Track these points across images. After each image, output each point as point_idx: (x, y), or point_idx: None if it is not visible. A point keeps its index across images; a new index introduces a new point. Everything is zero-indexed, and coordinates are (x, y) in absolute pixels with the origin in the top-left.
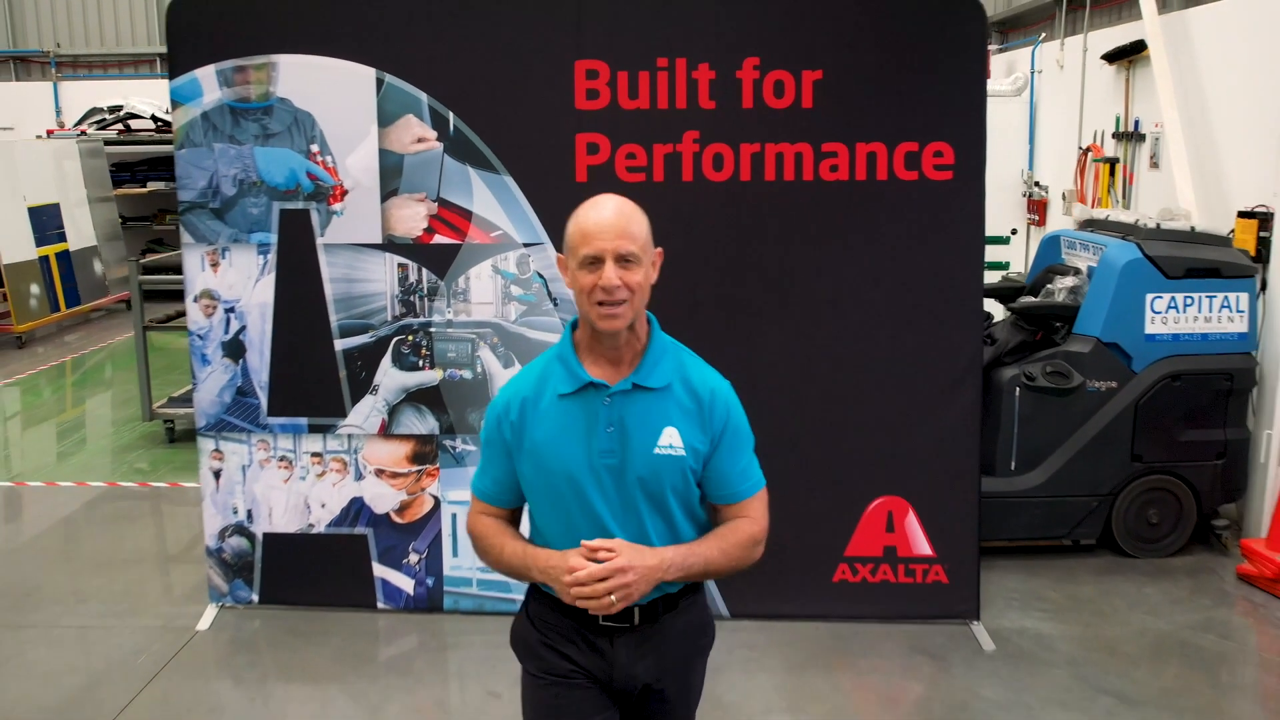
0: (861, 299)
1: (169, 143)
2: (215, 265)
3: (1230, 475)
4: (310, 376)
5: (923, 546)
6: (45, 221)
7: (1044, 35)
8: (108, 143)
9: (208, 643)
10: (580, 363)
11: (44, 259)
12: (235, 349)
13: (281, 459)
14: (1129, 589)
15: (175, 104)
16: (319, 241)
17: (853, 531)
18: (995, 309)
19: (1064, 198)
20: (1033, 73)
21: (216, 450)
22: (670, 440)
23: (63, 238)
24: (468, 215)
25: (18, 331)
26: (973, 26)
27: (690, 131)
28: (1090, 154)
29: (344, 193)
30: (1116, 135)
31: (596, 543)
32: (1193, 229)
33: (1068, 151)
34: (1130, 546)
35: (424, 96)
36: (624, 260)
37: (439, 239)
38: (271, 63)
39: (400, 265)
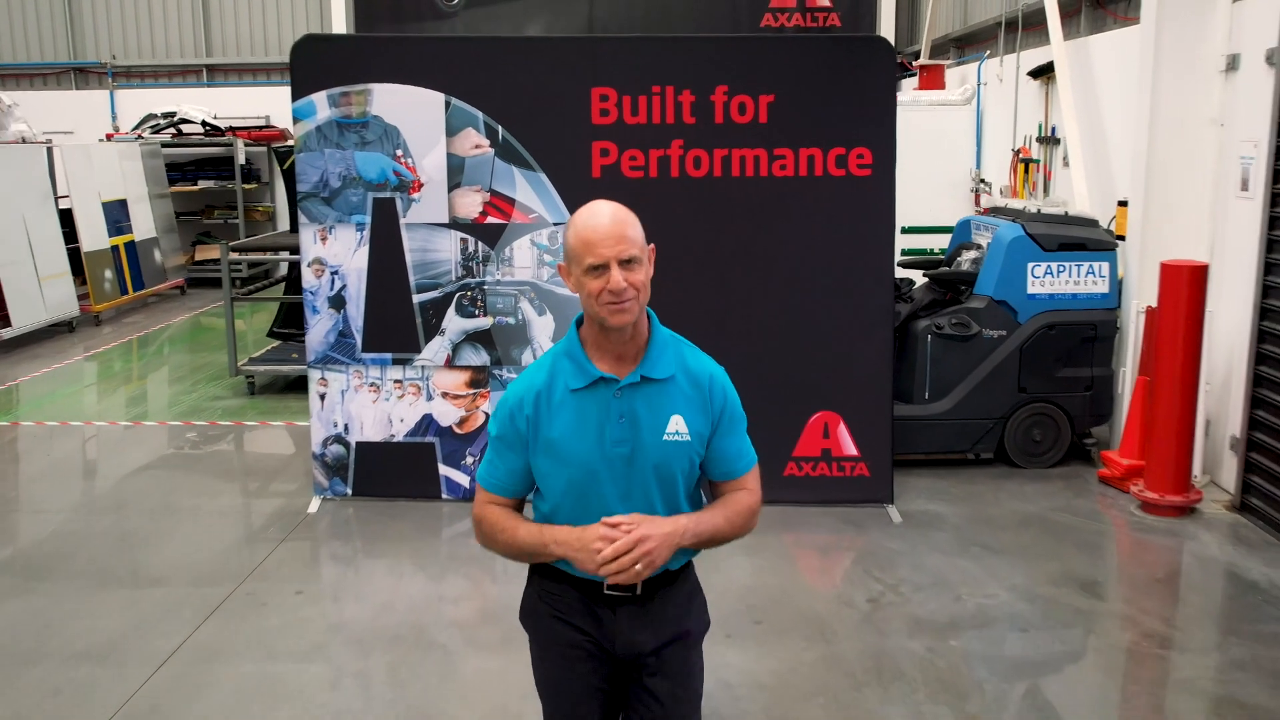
0: (803, 264)
1: (217, 145)
2: (324, 239)
3: (1097, 403)
4: (394, 322)
5: (850, 449)
6: (115, 215)
7: (989, 52)
8: (163, 145)
9: (314, 523)
10: (589, 358)
11: (115, 248)
12: (338, 302)
13: (371, 385)
14: (1013, 487)
15: (295, 119)
16: (402, 222)
17: (798, 438)
18: (917, 276)
19: (1001, 192)
20: (979, 84)
21: (322, 378)
22: (677, 427)
23: (130, 229)
24: (512, 202)
25: (95, 311)
26: (882, 59)
27: (677, 140)
28: (1020, 155)
29: (420, 186)
30: (1039, 139)
31: (616, 519)
32: (1066, 213)
33: (1005, 153)
34: (1019, 459)
35: (480, 114)
36: (626, 263)
37: (490, 220)
38: (368, 89)
39: (462, 239)
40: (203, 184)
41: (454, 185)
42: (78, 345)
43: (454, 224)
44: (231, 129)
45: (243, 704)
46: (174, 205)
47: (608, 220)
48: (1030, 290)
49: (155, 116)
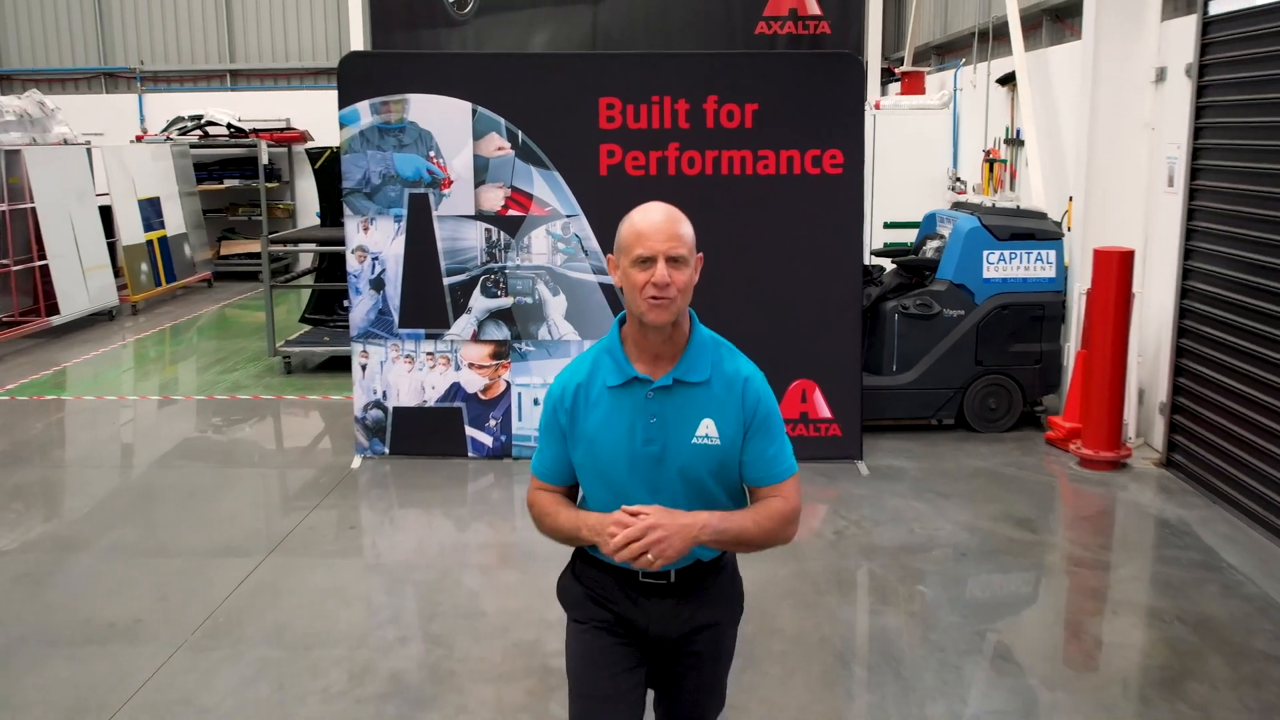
0: (783, 250)
1: (241, 146)
2: (366, 229)
3: (1045, 375)
4: (427, 302)
5: (825, 412)
6: (149, 211)
7: (964, 60)
8: (191, 146)
9: (356, 478)
10: (627, 357)
11: (149, 242)
12: (378, 284)
13: (407, 356)
14: (969, 447)
15: (342, 125)
16: (434, 214)
17: (779, 402)
18: (888, 264)
19: (974, 190)
20: (955, 90)
21: (364, 351)
22: (707, 431)
23: (162, 225)
24: (530, 197)
25: (133, 301)
26: (852, 72)
27: (673, 143)
28: (989, 155)
29: (450, 183)
30: (1006, 141)
31: (635, 507)
32: (1018, 207)
33: (978, 153)
34: (976, 424)
35: (502, 120)
36: (674, 261)
37: (511, 212)
38: (405, 99)
39: (486, 229)
40: (228, 183)
41: (479, 182)
42: (119, 332)
43: (479, 216)
44: (255, 131)
45: (316, 604)
46: (200, 203)
47: (662, 217)
48: (985, 275)
49: (183, 119)
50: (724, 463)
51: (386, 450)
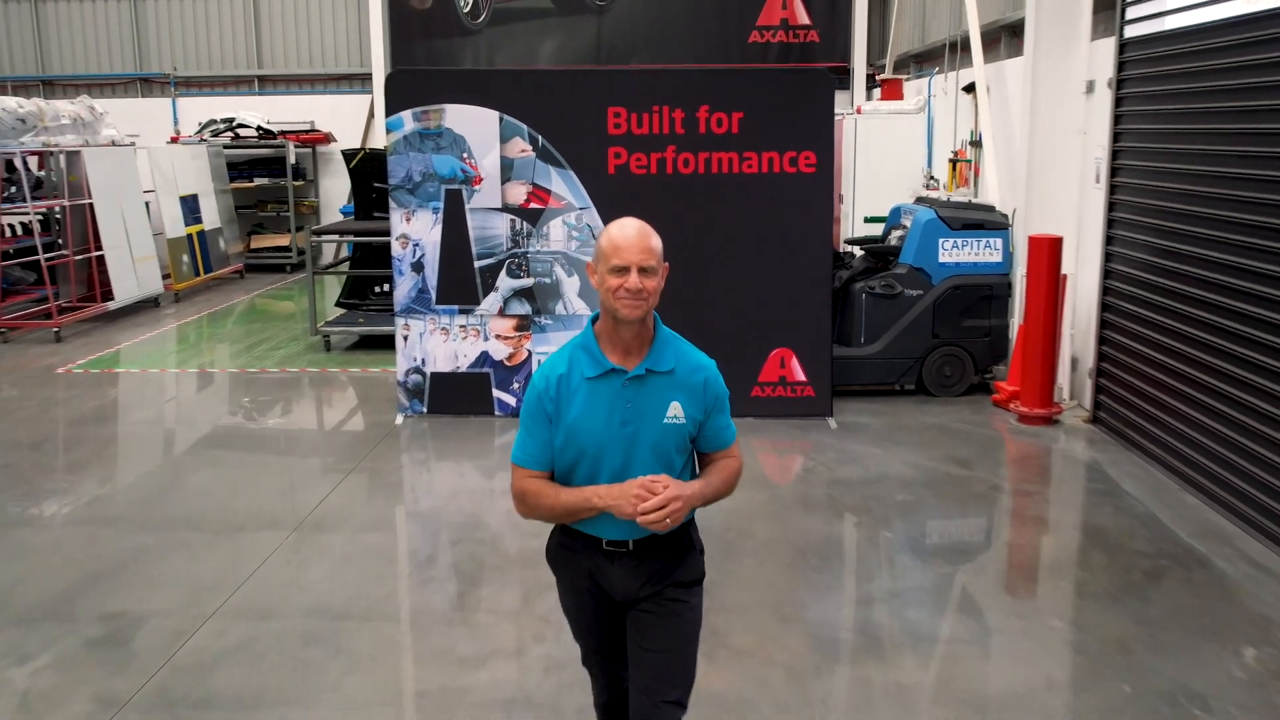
0: (764, 237)
1: (269, 146)
2: (408, 220)
3: (994, 347)
4: (460, 281)
5: (800, 376)
6: (189, 207)
7: (937, 69)
8: (225, 147)
9: (399, 433)
10: (601, 352)
11: (189, 236)
12: (418, 266)
13: (442, 329)
14: (926, 408)
15: (388, 130)
16: (466, 207)
17: (761, 367)
18: (858, 251)
19: (943, 187)
20: (929, 96)
21: (405, 324)
22: (675, 413)
23: (200, 220)
24: (549, 192)
25: (175, 289)
26: (823, 86)
27: (671, 146)
28: (956, 156)
29: (480, 180)
30: (971, 143)
31: (651, 477)
32: (969, 201)
33: (948, 154)
34: (934, 389)
35: (525, 126)
36: (644, 270)
37: (532, 205)
38: (442, 109)
39: (511, 219)
40: (257, 181)
41: (505, 180)
42: (166, 317)
43: (505, 208)
44: (282, 133)
45: (380, 518)
46: (232, 200)
47: (635, 233)
48: (941, 260)
49: (215, 121)
50: (687, 436)
51: (425, 409)
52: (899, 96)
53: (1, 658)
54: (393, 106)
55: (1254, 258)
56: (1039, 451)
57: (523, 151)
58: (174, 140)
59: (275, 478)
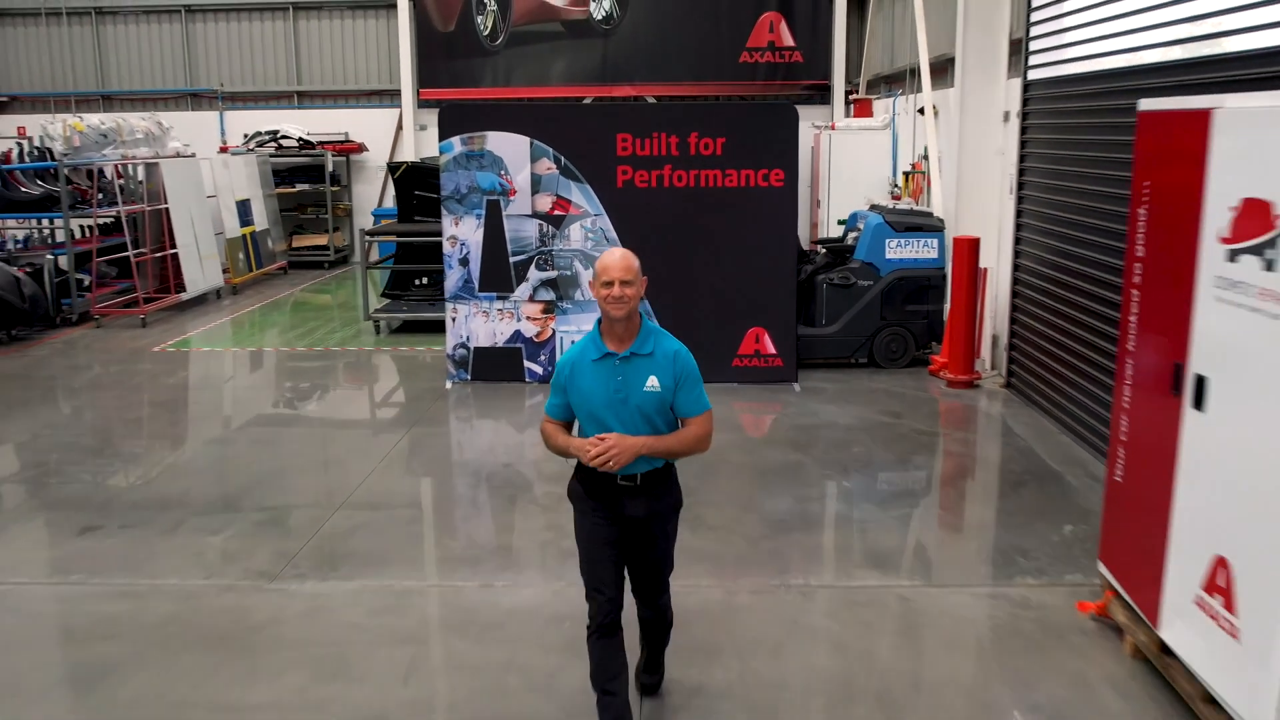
0: (742, 238)
1: (308, 156)
2: (457, 224)
3: (931, 328)
4: (498, 273)
5: (771, 350)
6: (243, 211)
7: (900, 90)
8: (270, 156)
9: (448, 396)
10: (603, 342)
11: (243, 236)
12: (464, 262)
13: (483, 311)
14: (875, 377)
15: (441, 153)
16: (504, 214)
17: (740, 343)
18: (821, 249)
19: (903, 196)
20: (894, 115)
21: (454, 308)
22: (653, 384)
23: (252, 222)
24: (569, 202)
25: (234, 283)
26: (789, 117)
27: (667, 164)
28: (914, 169)
29: (515, 192)
30: (923, 158)
31: (598, 436)
32: (911, 208)
33: (907, 167)
34: (882, 362)
35: (550, 149)
36: (625, 283)
37: (556, 212)
38: (484, 135)
39: (539, 223)
40: (298, 186)
41: (535, 191)
42: (228, 307)
43: (535, 215)
44: (320, 143)
45: (440, 457)
46: (277, 204)
47: (618, 258)
48: (888, 256)
49: (261, 133)
50: (663, 402)
51: (469, 377)
52: (869, 114)
53: (197, 532)
54: (445, 133)
55: (1119, 257)
56: (959, 407)
57: (548, 169)
58: (223, 150)
59: (360, 427)
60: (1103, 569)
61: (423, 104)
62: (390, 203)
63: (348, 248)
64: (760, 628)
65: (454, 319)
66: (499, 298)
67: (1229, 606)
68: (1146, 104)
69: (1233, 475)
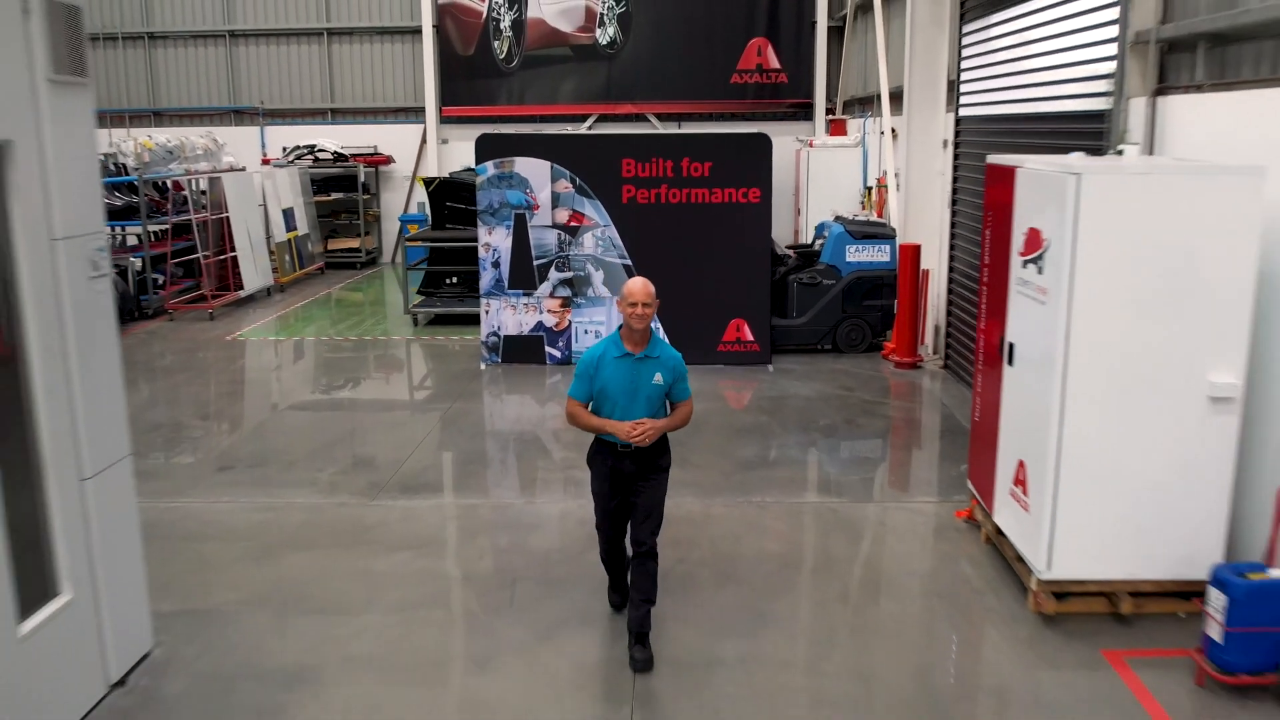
0: (726, 244)
1: (341, 167)
2: (490, 233)
3: (885, 320)
4: (523, 274)
5: (750, 337)
6: (288, 217)
7: (870, 113)
8: (308, 167)
9: (482, 376)
10: (622, 344)
11: (289, 240)
12: (496, 264)
13: (511, 305)
14: (837, 361)
15: (477, 175)
16: (529, 225)
17: (724, 331)
18: (793, 253)
19: (870, 208)
20: (864, 134)
21: (487, 303)
22: (657, 379)
23: (295, 227)
24: (583, 215)
25: (282, 282)
26: (765, 145)
27: (664, 184)
28: (878, 183)
29: (538, 207)
30: (885, 174)
31: (636, 420)
32: (869, 219)
33: (874, 182)
34: (844, 348)
35: (567, 171)
36: (645, 304)
37: (572, 224)
38: (512, 160)
39: (558, 233)
40: (333, 195)
41: (554, 206)
42: (280, 303)
43: (554, 226)
44: (352, 156)
45: (477, 423)
46: (315, 210)
47: (640, 286)
48: (848, 259)
49: (299, 147)
50: (662, 392)
51: (499, 360)
52: (843, 133)
53: (306, 470)
54: (480, 158)
55: None
56: (903, 384)
57: (565, 188)
58: (264, 162)
59: (413, 399)
60: (970, 486)
61: (444, 120)
62: (414, 209)
63: (377, 250)
64: (727, 527)
65: (487, 312)
66: (524, 294)
67: (1025, 491)
68: (992, 157)
69: (1026, 405)
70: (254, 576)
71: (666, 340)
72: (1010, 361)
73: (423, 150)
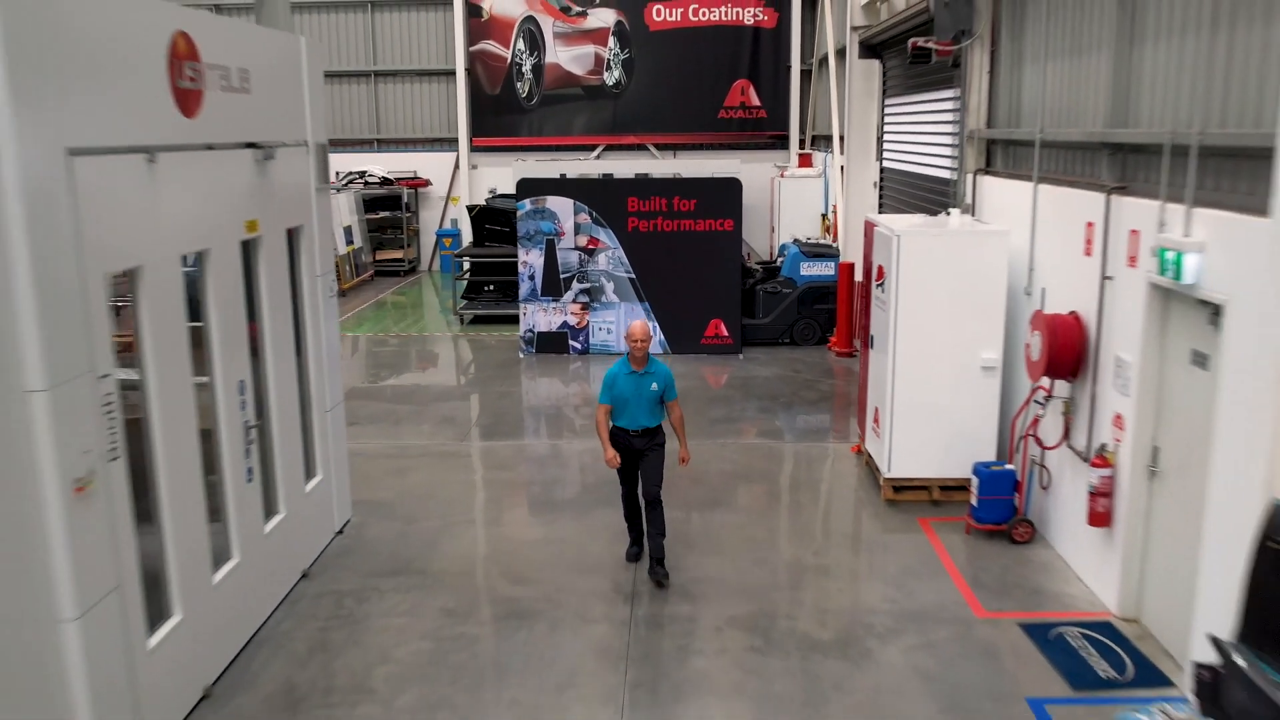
0: (706, 262)
1: (387, 190)
2: (527, 254)
3: (830, 320)
4: (552, 284)
5: (726, 333)
6: (349, 233)
7: (830, 149)
8: (360, 189)
9: (521, 362)
10: (630, 365)
11: (349, 252)
12: (532, 278)
13: (543, 309)
14: (794, 351)
15: (517, 210)
16: (557, 247)
17: (705, 328)
18: (760, 269)
19: (828, 231)
20: (825, 168)
21: (524, 307)
22: (654, 387)
23: (352, 241)
24: (598, 240)
25: (343, 288)
26: (736, 188)
27: (660, 216)
28: (832, 211)
29: (564, 234)
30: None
31: (613, 456)
32: (818, 242)
33: (846, 202)
34: (799, 342)
35: (586, 206)
36: (644, 341)
37: (590, 246)
38: (545, 198)
39: (579, 254)
40: (380, 214)
41: (576, 233)
42: (344, 305)
43: (576, 248)
44: (396, 179)
45: (521, 396)
46: (366, 226)
47: (640, 329)
48: (802, 273)
49: (352, 173)
50: (659, 395)
51: (534, 351)
52: (810, 165)
53: (410, 425)
54: (520, 196)
55: None
56: (839, 367)
57: (584, 219)
58: None
59: (471, 379)
60: (855, 428)
61: (474, 149)
62: (448, 225)
63: (416, 259)
64: (700, 456)
65: (524, 314)
66: (553, 300)
67: (878, 426)
68: (868, 215)
69: (878, 373)
70: (398, 483)
71: (658, 359)
72: (871, 346)
73: (455, 175)
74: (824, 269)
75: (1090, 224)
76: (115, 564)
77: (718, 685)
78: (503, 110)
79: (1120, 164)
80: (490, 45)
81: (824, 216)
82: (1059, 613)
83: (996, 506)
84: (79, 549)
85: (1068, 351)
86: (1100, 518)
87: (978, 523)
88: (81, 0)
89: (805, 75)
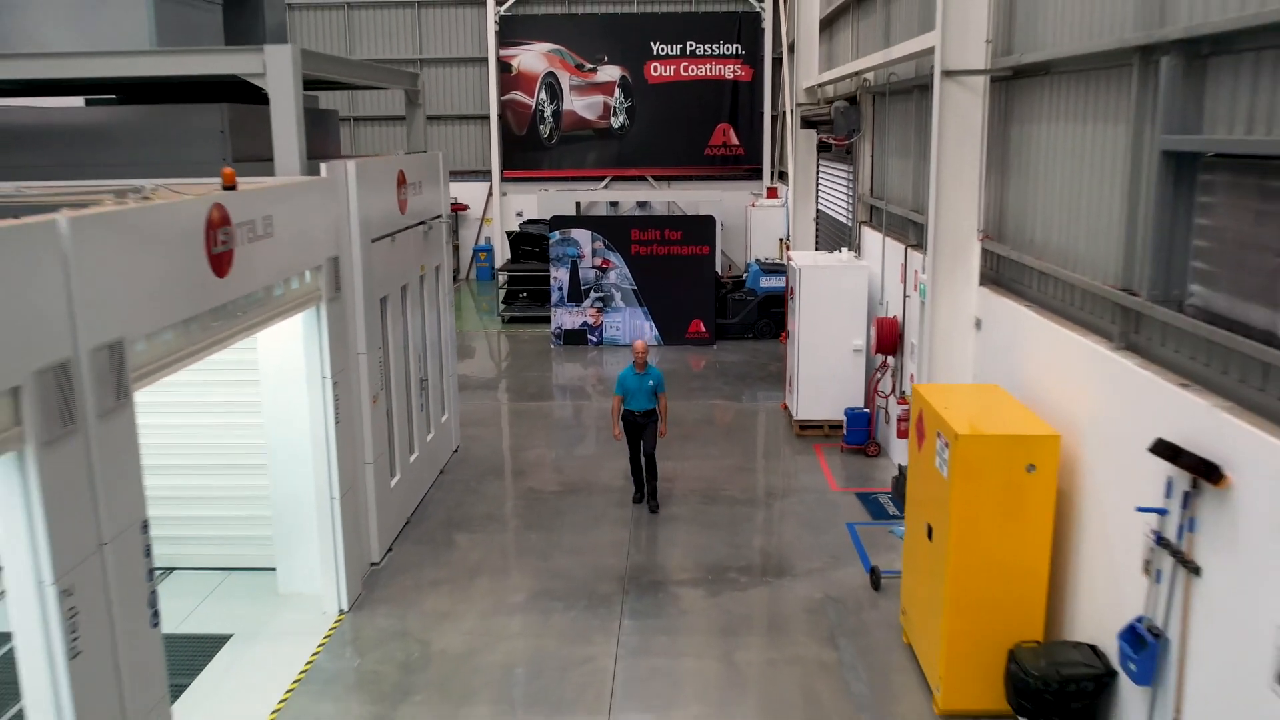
0: (689, 277)
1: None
2: (556, 271)
3: (784, 321)
4: (575, 294)
5: (704, 329)
6: None
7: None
8: None
9: (553, 351)
10: (634, 370)
11: None
12: (560, 289)
13: (569, 311)
14: (756, 344)
15: (550, 239)
16: (579, 267)
17: (689, 326)
18: (731, 281)
19: (787, 251)
20: (786, 200)
21: (554, 310)
22: (651, 383)
23: None
24: (610, 261)
25: None
26: (710, 224)
27: (655, 243)
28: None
29: (584, 256)
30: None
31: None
32: (775, 261)
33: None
34: (760, 337)
35: (601, 235)
36: (644, 353)
37: (604, 265)
38: (570, 230)
39: (596, 270)
40: None
41: (593, 256)
42: None
43: (593, 267)
44: None
45: (552, 373)
46: None
47: (641, 344)
48: (762, 285)
49: None
50: (655, 390)
51: (562, 343)
52: (776, 196)
53: (488, 394)
54: (553, 228)
55: None
56: (785, 354)
57: (599, 245)
58: None
59: (517, 363)
60: (784, 391)
61: (505, 179)
62: (482, 242)
63: (456, 270)
64: (679, 413)
65: (554, 316)
66: (575, 305)
67: (791, 388)
68: (789, 253)
69: (792, 355)
70: (480, 430)
71: (653, 365)
72: (789, 338)
73: (489, 200)
74: (778, 282)
75: (903, 264)
76: (386, 440)
77: (683, 518)
78: (528, 148)
79: (917, 231)
80: (518, 95)
81: (781, 240)
82: (879, 488)
83: (858, 434)
84: (374, 431)
85: (890, 338)
86: (904, 433)
87: (847, 445)
88: None
89: (775, 120)
